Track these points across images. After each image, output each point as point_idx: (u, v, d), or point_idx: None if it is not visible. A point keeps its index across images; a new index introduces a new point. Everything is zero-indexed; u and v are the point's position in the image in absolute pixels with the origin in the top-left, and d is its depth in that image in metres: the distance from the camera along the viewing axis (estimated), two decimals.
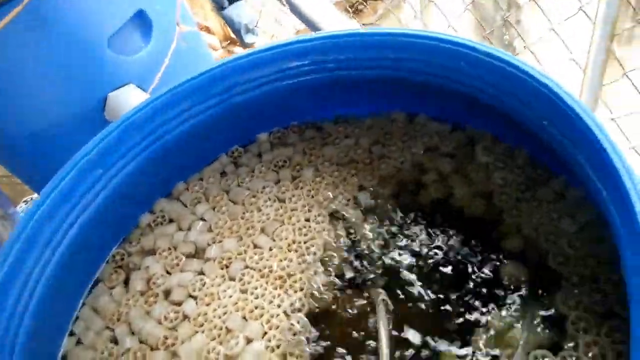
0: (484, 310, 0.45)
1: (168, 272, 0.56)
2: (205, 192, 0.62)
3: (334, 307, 0.49)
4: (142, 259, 0.58)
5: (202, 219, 0.60)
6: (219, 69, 0.57)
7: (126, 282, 0.56)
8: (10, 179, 1.12)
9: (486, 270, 0.48)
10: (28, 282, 0.47)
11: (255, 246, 0.55)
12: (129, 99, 0.74)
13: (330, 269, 0.52)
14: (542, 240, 0.48)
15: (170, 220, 0.61)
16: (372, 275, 0.50)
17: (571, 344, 0.41)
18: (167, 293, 0.54)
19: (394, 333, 0.45)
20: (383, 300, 0.47)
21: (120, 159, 0.55)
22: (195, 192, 0.62)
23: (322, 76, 0.60)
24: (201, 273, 0.55)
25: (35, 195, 1.06)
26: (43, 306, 0.48)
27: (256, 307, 0.50)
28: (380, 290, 0.48)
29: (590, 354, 0.40)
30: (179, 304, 0.52)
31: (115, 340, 0.51)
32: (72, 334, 0.53)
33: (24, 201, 1.35)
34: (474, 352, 0.43)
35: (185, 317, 0.51)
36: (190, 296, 0.53)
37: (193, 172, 0.65)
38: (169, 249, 0.57)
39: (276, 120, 0.67)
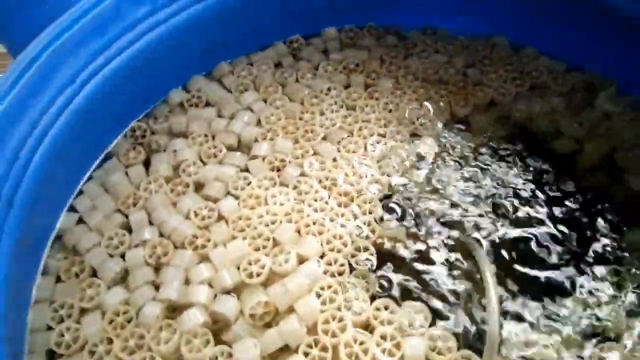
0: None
1: (202, 162, 0.45)
2: (255, 79, 0.51)
3: (413, 241, 0.40)
4: (170, 140, 0.46)
5: (250, 109, 0.48)
6: None
7: (146, 164, 0.45)
8: None
9: (600, 227, 0.39)
10: (28, 138, 0.35)
11: (316, 153, 0.45)
12: None
13: (410, 199, 0.42)
14: None
15: (208, 104, 0.49)
16: (460, 209, 0.41)
17: None
18: (199, 185, 0.43)
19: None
20: (480, 240, 0.38)
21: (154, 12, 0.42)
22: (242, 78, 0.51)
23: None
24: (245, 170, 0.44)
25: None
26: (41, 173, 0.37)
27: (314, 223, 0.40)
28: (475, 229, 0.39)
29: None
30: (215, 200, 0.42)
31: (128, 228, 0.41)
32: (72, 209, 0.42)
33: None
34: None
35: (222, 217, 0.41)
36: (230, 194, 0.42)
37: (240, 53, 0.53)
38: (205, 135, 0.46)
39: (350, 16, 0.55)
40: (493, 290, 0.35)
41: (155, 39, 0.45)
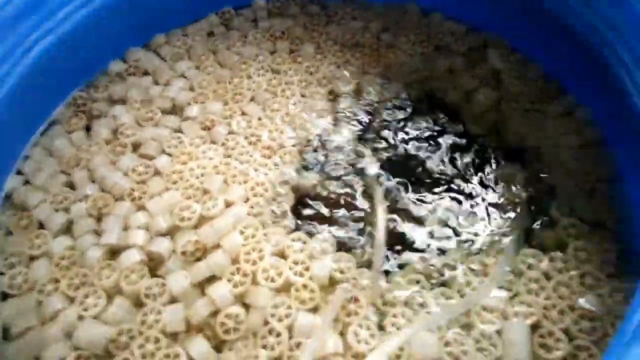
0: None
1: (140, 125, 0.49)
2: (189, 49, 0.55)
3: (325, 185, 0.46)
4: (110, 107, 0.51)
5: (184, 76, 0.53)
6: None
7: (87, 129, 0.50)
8: None
9: (488, 169, 0.46)
10: None
11: (243, 113, 0.50)
12: None
13: (325, 147, 0.48)
14: (545, 151, 0.47)
15: (145, 73, 0.54)
16: (367, 161, 0.47)
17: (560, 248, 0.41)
18: (136, 146, 0.48)
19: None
20: (380, 182, 0.45)
21: None
22: (177, 47, 0.55)
23: None
24: (178, 131, 0.49)
25: None
26: None
27: (240, 173, 0.45)
28: (376, 174, 0.46)
29: (578, 258, 0.40)
30: (151, 158, 0.47)
31: (71, 186, 0.45)
32: (19, 173, 0.46)
33: None
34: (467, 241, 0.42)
35: (157, 172, 0.46)
36: (165, 152, 0.47)
37: (174, 25, 0.57)
38: (142, 101, 0.51)
39: None
40: (382, 220, 0.41)
41: (92, 12, 0.49)
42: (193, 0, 0.57)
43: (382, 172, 0.46)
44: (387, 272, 0.40)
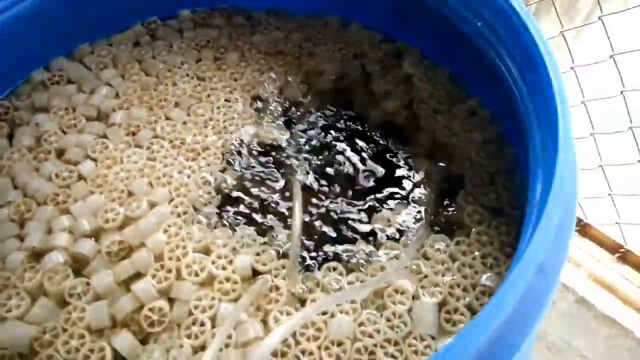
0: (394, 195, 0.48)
1: (63, 132, 0.50)
2: (114, 58, 0.56)
3: (248, 185, 0.48)
4: (32, 115, 0.51)
5: (109, 84, 0.54)
6: None
7: (10, 137, 0.50)
8: None
9: (402, 163, 0.50)
10: None
11: (168, 118, 0.52)
12: None
13: (248, 149, 0.50)
14: (453, 147, 0.51)
15: (70, 82, 0.54)
16: (288, 159, 0.50)
17: (464, 233, 0.45)
18: (60, 152, 0.48)
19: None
20: (298, 180, 0.47)
21: None
22: (101, 57, 0.56)
23: None
24: (103, 136, 0.50)
25: None
26: None
27: (164, 175, 0.47)
28: (297, 170, 0.48)
29: (480, 241, 0.44)
30: (75, 163, 0.47)
31: None
32: None
33: None
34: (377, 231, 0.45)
35: (81, 177, 0.47)
36: (89, 157, 0.48)
37: (100, 36, 0.58)
38: (66, 109, 0.51)
39: None
40: (298, 215, 0.44)
41: (13, 20, 0.49)
42: (119, 11, 0.58)
43: (301, 170, 0.49)
44: (307, 265, 0.43)
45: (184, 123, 0.51)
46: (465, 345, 0.24)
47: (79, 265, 0.42)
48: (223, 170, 0.48)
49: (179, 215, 0.44)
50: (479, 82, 0.54)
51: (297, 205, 0.45)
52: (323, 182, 0.49)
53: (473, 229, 0.45)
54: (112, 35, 0.58)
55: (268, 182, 0.48)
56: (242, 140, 0.51)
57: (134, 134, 0.50)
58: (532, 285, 0.27)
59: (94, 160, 0.48)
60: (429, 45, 0.58)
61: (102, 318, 0.38)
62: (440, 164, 0.50)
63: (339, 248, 0.44)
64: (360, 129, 0.53)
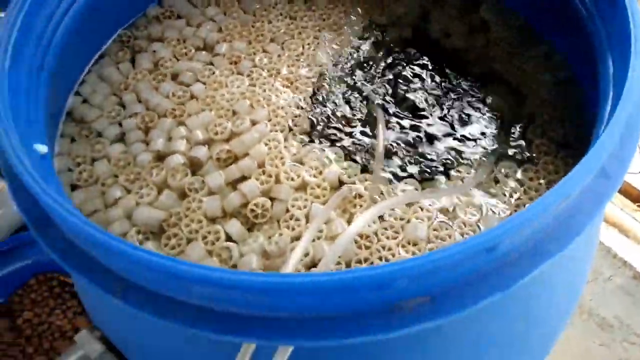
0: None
1: (176, 58, 0.57)
2: None
3: (333, 110, 0.54)
4: (150, 44, 0.59)
5: (212, 20, 0.61)
6: None
7: (132, 62, 0.58)
8: None
9: (473, 99, 0.54)
10: (40, 42, 0.46)
11: (265, 51, 0.58)
12: None
13: (334, 83, 0.56)
14: (525, 86, 0.55)
15: (179, 17, 0.62)
16: (371, 92, 0.55)
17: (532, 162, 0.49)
18: (174, 76, 0.56)
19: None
20: (379, 105, 0.53)
21: None
22: None
23: None
24: (210, 64, 0.57)
25: None
26: (54, 63, 0.49)
27: (264, 99, 0.53)
28: (378, 97, 0.54)
29: (546, 169, 0.48)
30: (187, 85, 0.55)
31: (122, 105, 0.54)
32: (77, 94, 0.54)
33: None
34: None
35: (193, 97, 0.54)
36: (199, 81, 0.55)
37: None
38: (178, 40, 0.59)
39: None
40: (382, 133, 0.50)
41: None
42: None
43: (383, 97, 0.54)
44: (388, 179, 0.49)
45: (279, 56, 0.57)
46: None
47: (194, 168, 0.49)
48: (312, 97, 0.54)
49: (276, 132, 0.51)
50: (553, 27, 0.57)
51: (381, 127, 0.50)
52: (399, 110, 0.54)
53: (540, 159, 0.49)
54: None
55: (352, 106, 0.54)
56: (330, 73, 0.56)
57: (235, 63, 0.57)
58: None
59: (203, 83, 0.55)
60: None
61: (216, 208, 0.46)
62: (515, 101, 0.54)
63: (415, 169, 0.50)
64: (437, 66, 0.58)
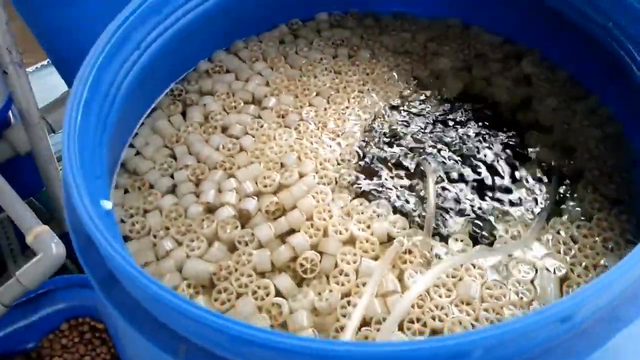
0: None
1: (226, 112, 0.59)
2: (264, 53, 0.65)
3: (381, 166, 0.54)
4: (200, 97, 0.61)
5: (260, 74, 0.63)
6: None
7: (183, 115, 0.60)
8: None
9: (520, 154, 0.54)
10: (107, 97, 0.48)
11: (311, 105, 0.59)
12: None
13: (380, 136, 0.57)
14: (572, 140, 0.55)
15: (228, 71, 0.64)
16: (415, 146, 0.56)
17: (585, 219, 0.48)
18: (224, 128, 0.58)
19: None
20: (428, 161, 0.53)
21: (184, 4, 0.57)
22: (253, 51, 0.65)
23: None
24: (259, 117, 0.59)
25: None
26: (117, 116, 0.51)
27: (311, 151, 0.54)
28: (427, 157, 0.54)
29: (600, 226, 0.47)
30: (237, 138, 0.56)
31: (173, 157, 0.55)
32: (131, 146, 0.56)
33: None
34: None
35: (242, 149, 0.55)
36: (248, 134, 0.57)
37: (252, 33, 0.68)
38: (227, 93, 0.61)
39: (337, 3, 0.70)
40: (432, 190, 0.50)
41: (186, 24, 0.59)
42: (266, 12, 0.67)
43: (431, 156, 0.55)
44: (437, 234, 0.48)
45: (325, 110, 0.59)
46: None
47: (243, 220, 0.50)
48: (359, 150, 0.55)
49: (324, 185, 0.51)
50: (599, 81, 0.57)
51: (431, 181, 0.50)
52: (451, 167, 0.54)
53: (594, 216, 0.48)
54: (261, 33, 0.68)
55: (399, 164, 0.54)
56: (375, 127, 0.57)
57: (283, 116, 0.58)
58: None
59: (252, 136, 0.56)
60: (550, 45, 0.61)
61: (265, 262, 0.46)
62: (563, 156, 0.54)
63: (466, 220, 0.49)
64: (480, 124, 0.58)
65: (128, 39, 0.51)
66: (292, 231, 0.49)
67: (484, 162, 0.54)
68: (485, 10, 0.65)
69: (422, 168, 0.53)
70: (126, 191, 0.53)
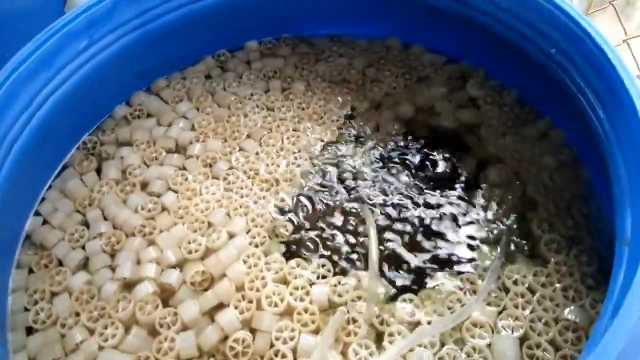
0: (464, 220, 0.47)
1: (146, 164, 0.53)
2: (188, 91, 0.59)
3: (320, 213, 0.49)
4: (117, 149, 0.55)
5: (185, 117, 0.57)
6: None
7: (98, 171, 0.53)
8: None
9: (461, 192, 0.50)
10: None
11: (241, 149, 0.54)
12: None
13: (318, 179, 0.51)
14: (524, 171, 0.50)
15: (149, 115, 0.58)
16: (359, 191, 0.51)
17: (541, 262, 0.44)
18: (144, 184, 0.51)
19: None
20: (370, 209, 0.48)
21: (109, 33, 0.50)
22: (177, 90, 0.59)
23: None
24: (183, 169, 0.53)
25: None
26: (7, 185, 0.44)
27: (241, 206, 0.49)
28: (368, 202, 0.49)
29: (559, 271, 0.43)
30: (158, 195, 0.50)
31: (86, 224, 0.49)
32: (37, 214, 0.50)
33: None
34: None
35: (165, 209, 0.49)
36: (170, 189, 0.51)
37: (175, 69, 0.61)
38: (147, 142, 0.55)
39: (267, 30, 0.64)
40: (374, 245, 0.45)
41: (96, 65, 0.52)
42: (191, 45, 0.61)
43: (371, 195, 0.50)
44: (385, 295, 0.43)
45: (257, 154, 0.53)
46: None
47: (166, 295, 0.44)
48: (295, 200, 0.50)
49: (256, 246, 0.46)
50: (549, 103, 0.53)
51: (372, 233, 0.45)
52: (391, 208, 0.49)
53: (551, 259, 0.44)
54: (185, 68, 0.61)
55: (341, 209, 0.49)
56: (311, 171, 0.52)
57: (210, 165, 0.52)
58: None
59: (175, 192, 0.50)
60: (495, 66, 0.57)
61: (190, 348, 0.40)
62: (514, 189, 0.50)
63: (412, 278, 0.44)
64: (425, 150, 0.53)
65: (15, 96, 0.44)
66: (220, 305, 0.43)
67: (430, 207, 0.49)
68: (427, 29, 0.60)
69: (360, 213, 0.48)
70: (31, 271, 0.46)
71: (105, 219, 0.49)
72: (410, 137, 0.55)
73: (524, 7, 0.46)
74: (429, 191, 0.50)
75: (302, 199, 0.50)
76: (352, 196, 0.50)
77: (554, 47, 0.45)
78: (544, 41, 0.46)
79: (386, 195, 0.50)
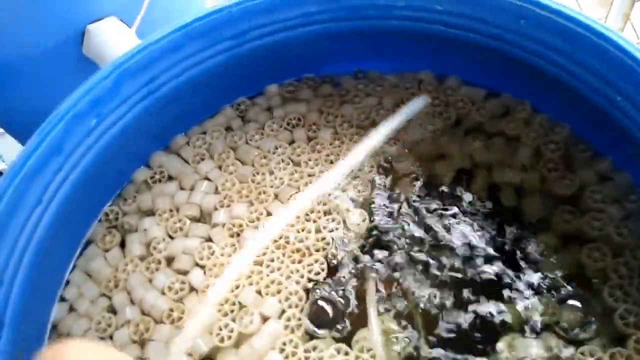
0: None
1: (170, 237, 0.50)
2: (209, 148, 0.56)
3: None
4: (140, 219, 0.52)
5: (207, 179, 0.54)
6: (235, 9, 0.49)
7: (122, 245, 0.51)
8: None
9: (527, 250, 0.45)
10: (14, 250, 0.40)
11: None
12: (110, 33, 0.65)
13: (354, 247, 0.47)
14: (585, 226, 0.45)
15: (170, 178, 0.55)
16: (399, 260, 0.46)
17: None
18: (170, 260, 0.49)
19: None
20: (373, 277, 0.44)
21: (116, 108, 0.47)
22: (197, 147, 0.56)
23: (340, 25, 0.54)
24: (208, 240, 0.49)
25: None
26: (31, 274, 0.42)
27: (272, 282, 0.45)
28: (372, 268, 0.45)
29: None
30: (185, 273, 0.47)
31: (113, 310, 0.46)
32: (62, 299, 0.48)
33: None
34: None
35: (192, 288, 0.46)
36: (197, 265, 0.48)
37: (193, 123, 0.58)
38: (170, 210, 0.52)
39: (288, 71, 0.60)
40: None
41: (110, 139, 0.48)
42: (207, 98, 0.57)
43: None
44: None
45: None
46: None
47: None
48: (330, 271, 0.46)
49: (292, 331, 0.43)
50: (607, 141, 0.47)
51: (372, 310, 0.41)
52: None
53: (630, 337, 0.39)
54: (204, 121, 0.58)
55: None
56: (345, 240, 0.48)
57: (237, 234, 0.49)
58: None
59: (202, 267, 0.47)
60: (543, 100, 0.51)
61: None
62: (571, 248, 0.44)
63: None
64: (469, 209, 0.48)
65: (26, 190, 0.42)
66: None
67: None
68: (465, 58, 0.55)
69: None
70: None
71: (132, 301, 0.47)
72: (454, 190, 0.50)
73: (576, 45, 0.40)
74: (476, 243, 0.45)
75: (342, 271, 0.46)
76: (395, 266, 0.46)
77: (619, 95, 0.39)
78: (608, 87, 0.40)
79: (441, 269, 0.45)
